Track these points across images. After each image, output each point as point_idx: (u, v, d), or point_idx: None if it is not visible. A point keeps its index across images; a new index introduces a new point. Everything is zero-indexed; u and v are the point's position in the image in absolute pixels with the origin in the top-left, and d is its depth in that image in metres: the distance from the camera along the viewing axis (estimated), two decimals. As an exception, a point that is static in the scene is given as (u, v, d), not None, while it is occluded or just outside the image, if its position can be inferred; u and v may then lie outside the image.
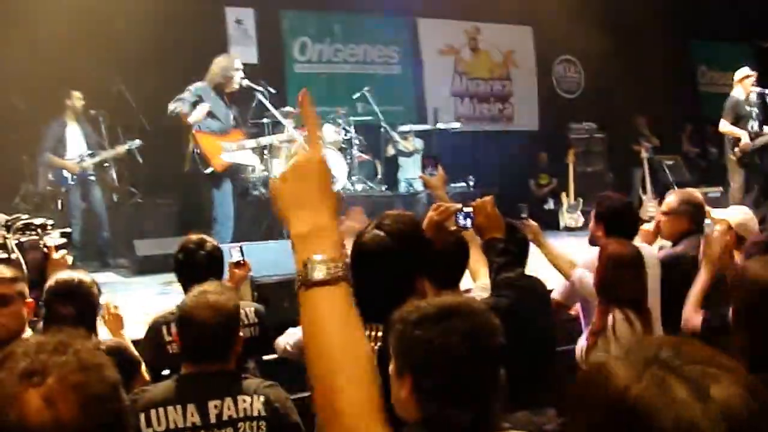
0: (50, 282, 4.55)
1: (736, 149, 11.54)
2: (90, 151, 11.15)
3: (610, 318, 4.96)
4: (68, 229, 5.71)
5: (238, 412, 3.58)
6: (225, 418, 3.57)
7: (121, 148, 11.46)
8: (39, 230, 5.28)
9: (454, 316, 2.41)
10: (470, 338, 2.39)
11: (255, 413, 3.60)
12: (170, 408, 3.53)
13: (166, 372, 4.75)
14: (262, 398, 3.63)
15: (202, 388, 3.62)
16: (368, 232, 3.43)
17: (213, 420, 3.56)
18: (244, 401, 3.61)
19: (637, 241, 5.88)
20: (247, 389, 3.66)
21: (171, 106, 9.58)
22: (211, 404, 3.57)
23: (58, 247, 5.27)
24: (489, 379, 2.42)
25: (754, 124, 11.67)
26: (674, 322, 5.44)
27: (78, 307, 4.40)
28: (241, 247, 5.84)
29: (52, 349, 1.89)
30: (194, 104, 9.62)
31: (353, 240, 3.51)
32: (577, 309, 5.77)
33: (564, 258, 5.74)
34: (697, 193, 6.80)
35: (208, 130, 9.69)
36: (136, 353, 4.68)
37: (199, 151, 9.62)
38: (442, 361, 2.37)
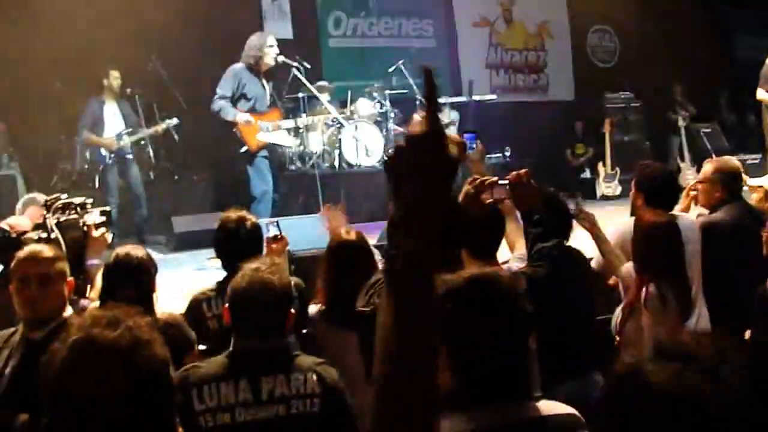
0: (109, 259, 4.60)
1: (775, 116, 11.41)
2: (128, 129, 11.22)
3: (643, 291, 4.95)
4: (108, 207, 5.75)
5: (291, 390, 3.57)
6: (277, 395, 3.56)
7: (159, 127, 11.51)
8: (78, 209, 5.31)
9: (480, 288, 2.44)
10: (497, 308, 2.42)
11: (309, 391, 3.58)
12: (222, 384, 3.53)
13: (202, 348, 4.78)
14: (315, 376, 3.61)
15: (255, 364, 3.61)
16: None
17: (265, 397, 3.55)
18: (297, 379, 3.59)
19: (676, 210, 5.83)
20: (300, 367, 3.65)
21: (218, 108, 9.63)
22: (264, 380, 3.56)
23: (97, 226, 5.31)
24: (518, 347, 2.46)
25: (792, 91, 11.51)
26: (713, 290, 5.43)
27: (136, 284, 4.44)
28: (277, 222, 5.88)
29: (105, 324, 1.94)
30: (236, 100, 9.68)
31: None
32: (616, 278, 5.72)
33: (617, 253, 5.62)
34: (733, 160, 6.71)
35: (246, 110, 9.72)
36: (191, 331, 4.70)
37: (236, 130, 9.65)
38: (473, 332, 2.39)
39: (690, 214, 6.16)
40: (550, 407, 2.46)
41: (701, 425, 1.31)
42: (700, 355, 1.32)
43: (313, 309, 5.03)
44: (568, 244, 5.02)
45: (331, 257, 4.97)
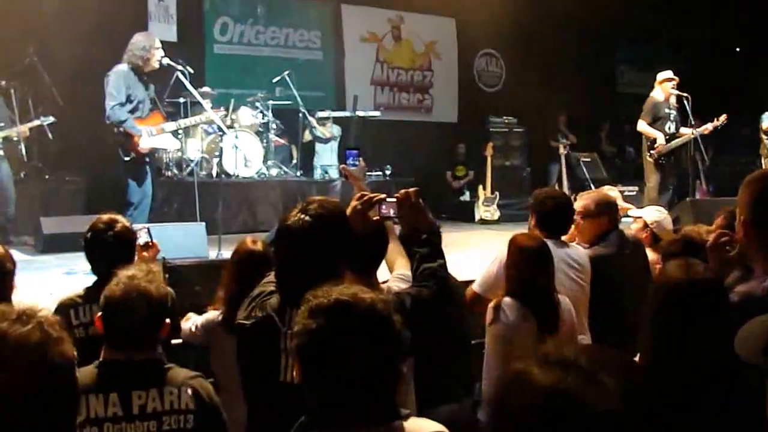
0: None
1: (653, 150, 11.65)
2: (-3, 124, 10.84)
3: (492, 304, 5.05)
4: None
5: (164, 405, 3.43)
6: (149, 410, 3.41)
7: (30, 124, 11.14)
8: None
9: (345, 312, 2.42)
10: (356, 337, 2.39)
11: (183, 406, 3.45)
12: (91, 396, 3.36)
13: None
14: (190, 391, 3.48)
15: (126, 376, 3.45)
16: (293, 216, 3.39)
17: (136, 411, 3.40)
18: (171, 393, 3.45)
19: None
20: (174, 380, 3.50)
21: (122, 119, 9.20)
22: (135, 395, 3.41)
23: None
24: (384, 370, 2.44)
25: (671, 126, 11.80)
26: (597, 320, 5.48)
27: None
28: (148, 229, 5.71)
29: (15, 318, 1.95)
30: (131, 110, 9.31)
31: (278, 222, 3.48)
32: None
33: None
34: (611, 191, 6.83)
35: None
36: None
37: (120, 137, 9.27)
38: (323, 356, 2.39)
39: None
40: (417, 425, 2.45)
41: (582, 423, 1.43)
42: (579, 362, 1.45)
43: (212, 315, 4.95)
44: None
45: (236, 266, 4.89)
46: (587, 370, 1.42)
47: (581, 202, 6.27)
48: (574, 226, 6.20)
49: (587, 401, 1.39)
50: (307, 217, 3.37)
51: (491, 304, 5.06)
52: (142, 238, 5.52)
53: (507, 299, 5.01)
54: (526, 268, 5.03)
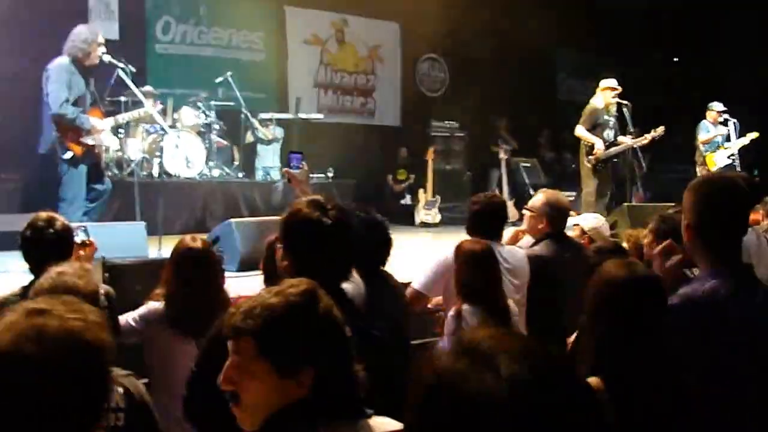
0: None
1: (591, 156, 11.74)
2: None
3: (452, 312, 5.05)
4: None
5: None
6: None
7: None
8: None
9: (305, 311, 2.40)
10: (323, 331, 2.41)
11: (113, 405, 3.35)
12: None
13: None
14: (120, 389, 3.41)
15: None
16: (313, 213, 3.32)
17: None
18: None
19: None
20: None
21: (73, 115, 9.01)
22: None
23: None
24: (348, 366, 2.44)
25: (610, 134, 11.92)
26: (534, 321, 5.55)
27: None
28: (85, 227, 5.62)
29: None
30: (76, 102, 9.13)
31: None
32: (438, 300, 5.76)
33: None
34: (562, 197, 6.88)
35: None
36: None
37: (59, 134, 9.07)
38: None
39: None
40: (381, 422, 2.46)
41: (457, 408, 1.38)
42: (479, 346, 1.42)
43: (153, 305, 4.92)
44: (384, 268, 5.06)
45: (176, 264, 4.89)
46: (484, 354, 1.39)
47: (536, 196, 6.37)
48: (524, 220, 6.31)
49: (469, 386, 1.36)
50: (337, 214, 3.34)
51: (451, 313, 5.06)
52: (80, 237, 5.45)
53: (467, 307, 5.01)
54: (478, 274, 5.06)
